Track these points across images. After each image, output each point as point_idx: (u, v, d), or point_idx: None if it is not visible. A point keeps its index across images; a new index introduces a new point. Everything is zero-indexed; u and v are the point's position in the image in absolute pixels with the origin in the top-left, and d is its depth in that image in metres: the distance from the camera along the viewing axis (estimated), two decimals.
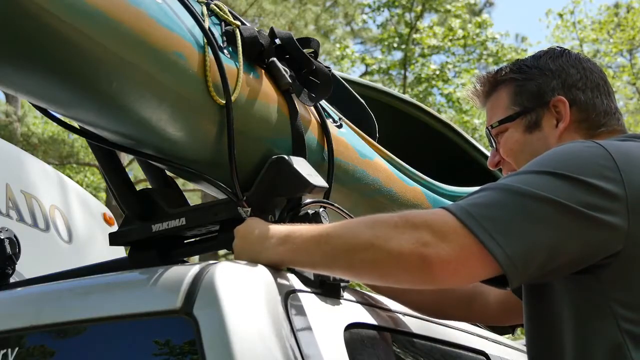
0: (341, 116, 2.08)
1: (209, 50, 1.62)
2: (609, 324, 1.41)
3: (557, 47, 1.77)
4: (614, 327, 1.40)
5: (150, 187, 1.90)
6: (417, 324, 1.84)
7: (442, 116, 2.97)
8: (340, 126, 2.03)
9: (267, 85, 1.76)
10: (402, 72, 18.29)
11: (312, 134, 1.86)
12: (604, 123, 1.65)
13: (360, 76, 17.37)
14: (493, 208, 1.38)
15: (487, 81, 1.77)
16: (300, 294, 1.52)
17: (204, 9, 1.71)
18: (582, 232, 1.38)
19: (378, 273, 1.43)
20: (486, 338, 2.16)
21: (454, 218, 1.36)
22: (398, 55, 18.75)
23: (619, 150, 1.44)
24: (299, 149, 1.79)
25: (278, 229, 1.55)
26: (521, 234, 1.36)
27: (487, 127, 1.76)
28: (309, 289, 1.57)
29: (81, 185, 12.39)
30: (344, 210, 1.81)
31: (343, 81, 2.29)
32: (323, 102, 1.98)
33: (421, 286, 1.47)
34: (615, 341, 1.40)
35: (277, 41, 1.83)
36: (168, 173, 1.90)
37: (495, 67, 1.87)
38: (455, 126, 2.81)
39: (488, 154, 2.04)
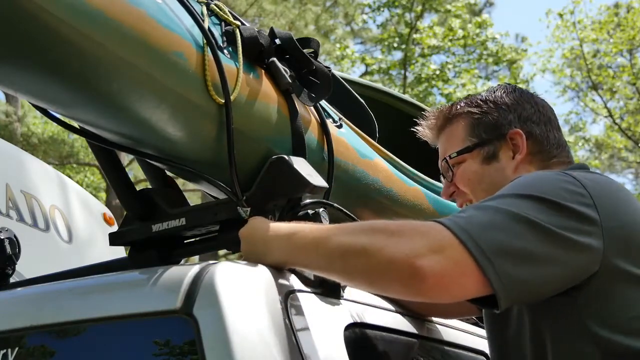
0: (341, 116, 2.08)
1: (208, 50, 1.62)
2: (588, 344, 1.44)
3: (508, 83, 1.85)
4: (593, 347, 1.43)
5: (150, 187, 1.90)
6: (417, 324, 1.83)
7: None
8: (340, 126, 2.03)
9: (267, 85, 1.76)
10: (402, 72, 18.29)
11: (312, 134, 1.85)
12: (556, 155, 1.73)
13: (360, 76, 17.37)
14: (489, 228, 1.39)
15: (441, 115, 1.82)
16: (300, 294, 1.52)
17: (204, 9, 1.71)
18: (568, 256, 1.41)
19: (369, 280, 1.43)
20: (486, 338, 2.15)
21: (449, 232, 1.37)
22: (398, 55, 18.76)
23: (586, 179, 1.49)
24: (299, 149, 1.79)
25: (280, 229, 1.55)
26: (513, 257, 1.37)
27: (443, 159, 1.80)
28: (309, 289, 1.57)
29: (81, 185, 12.40)
30: (344, 210, 1.81)
31: (343, 81, 2.29)
32: (323, 102, 1.98)
33: (411, 297, 1.47)
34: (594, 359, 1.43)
35: (277, 41, 1.83)
36: (168, 173, 1.90)
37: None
38: None
39: None
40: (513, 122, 1.73)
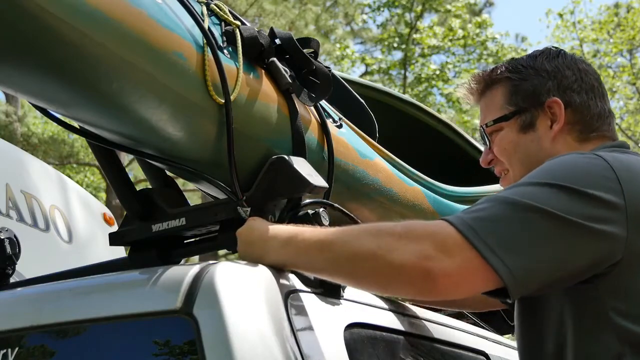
0: (341, 116, 2.08)
1: (208, 50, 1.62)
2: (609, 334, 1.42)
3: (553, 47, 1.78)
4: (614, 337, 1.41)
5: (150, 187, 1.90)
6: (417, 324, 1.83)
7: (442, 116, 2.97)
8: (340, 126, 2.03)
9: (267, 85, 1.76)
10: (402, 72, 18.31)
11: (312, 134, 1.85)
12: (597, 127, 1.67)
13: (360, 76, 17.37)
14: (495, 222, 1.38)
15: (482, 79, 1.78)
16: (300, 294, 1.52)
17: (204, 9, 1.71)
18: (585, 246, 1.39)
19: (380, 283, 1.44)
20: (486, 338, 2.15)
21: (456, 231, 1.37)
22: (398, 55, 18.78)
23: (617, 162, 1.46)
24: (299, 149, 1.79)
25: (280, 231, 1.55)
26: (523, 248, 1.37)
27: (481, 126, 1.77)
28: (309, 289, 1.56)
29: (81, 185, 12.40)
30: (344, 210, 1.81)
31: (343, 81, 2.29)
32: (323, 102, 1.98)
33: (422, 298, 1.49)
34: (615, 350, 1.41)
35: (277, 41, 1.83)
36: (168, 173, 1.90)
37: (491, 66, 1.86)
38: (455, 126, 2.81)
39: None
40: (552, 90, 1.68)
